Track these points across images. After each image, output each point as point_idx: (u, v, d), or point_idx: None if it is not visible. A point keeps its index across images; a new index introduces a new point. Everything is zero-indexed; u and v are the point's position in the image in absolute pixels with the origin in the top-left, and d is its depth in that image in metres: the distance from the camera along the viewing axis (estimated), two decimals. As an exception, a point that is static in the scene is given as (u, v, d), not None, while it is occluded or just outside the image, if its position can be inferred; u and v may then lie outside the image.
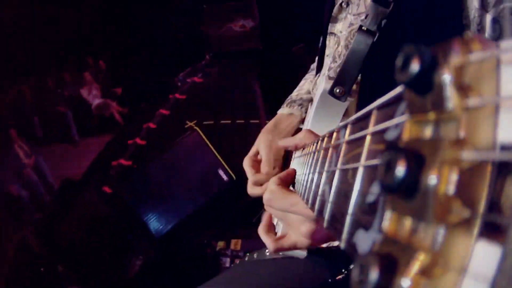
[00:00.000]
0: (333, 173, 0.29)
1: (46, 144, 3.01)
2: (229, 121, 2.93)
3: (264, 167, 0.87)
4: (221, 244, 2.10)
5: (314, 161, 0.42)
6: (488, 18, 0.59)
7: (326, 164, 0.33)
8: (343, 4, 0.81)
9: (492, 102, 0.12)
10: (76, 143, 3.28)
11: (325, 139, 0.37)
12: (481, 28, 0.60)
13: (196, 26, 4.10)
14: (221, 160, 2.39)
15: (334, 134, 0.33)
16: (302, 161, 0.58)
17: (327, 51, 0.89)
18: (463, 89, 0.13)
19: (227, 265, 2.00)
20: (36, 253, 2.12)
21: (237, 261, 2.00)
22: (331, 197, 0.28)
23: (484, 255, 0.12)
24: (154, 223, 2.16)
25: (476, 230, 0.12)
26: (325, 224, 0.29)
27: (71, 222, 2.23)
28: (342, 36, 0.80)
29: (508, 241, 0.11)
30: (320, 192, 0.33)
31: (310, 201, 0.38)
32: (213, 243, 2.10)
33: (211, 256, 2.04)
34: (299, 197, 0.54)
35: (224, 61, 4.06)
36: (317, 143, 0.44)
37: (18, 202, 2.48)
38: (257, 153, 0.92)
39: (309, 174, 0.43)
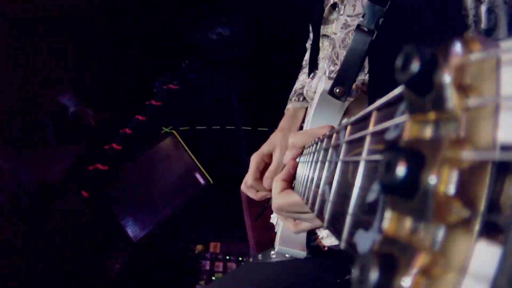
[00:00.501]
0: (333, 173, 0.29)
1: (24, 150, 3.02)
2: (205, 127, 2.97)
3: (269, 172, 0.84)
4: (199, 247, 2.12)
5: (314, 161, 0.42)
6: (483, 8, 0.59)
7: (326, 164, 0.33)
8: (335, 5, 0.81)
9: (492, 102, 0.12)
10: (53, 148, 3.29)
11: (325, 139, 0.37)
12: (477, 19, 0.60)
13: (173, 33, 4.12)
14: (198, 164, 2.42)
15: (334, 134, 0.33)
16: (302, 161, 0.59)
17: (321, 54, 0.89)
18: (463, 89, 0.13)
19: (207, 268, 2.01)
20: (16, 255, 2.12)
21: (218, 264, 2.01)
22: (331, 197, 0.28)
23: (484, 255, 0.12)
24: (132, 227, 2.17)
25: (476, 230, 0.12)
26: (325, 224, 0.29)
27: (49, 225, 2.23)
28: (337, 37, 0.80)
29: (508, 241, 0.11)
30: (320, 192, 0.33)
31: (310, 201, 0.38)
32: (191, 247, 2.10)
33: (191, 259, 2.05)
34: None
35: (201, 68, 4.11)
36: (317, 143, 0.44)
37: None
38: (270, 153, 0.89)
39: (309, 174, 0.43)
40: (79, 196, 2.29)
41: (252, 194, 0.87)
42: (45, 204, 2.39)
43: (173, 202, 2.29)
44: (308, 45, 1.12)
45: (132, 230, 2.15)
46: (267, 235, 0.95)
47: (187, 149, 2.44)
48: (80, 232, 2.19)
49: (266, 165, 0.87)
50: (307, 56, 1.13)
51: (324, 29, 0.86)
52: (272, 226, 1.03)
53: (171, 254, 2.13)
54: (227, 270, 2.01)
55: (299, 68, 1.14)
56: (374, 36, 0.66)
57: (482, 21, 0.60)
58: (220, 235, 2.16)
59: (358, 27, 0.67)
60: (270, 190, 0.77)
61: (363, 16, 0.67)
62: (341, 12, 0.80)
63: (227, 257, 2.05)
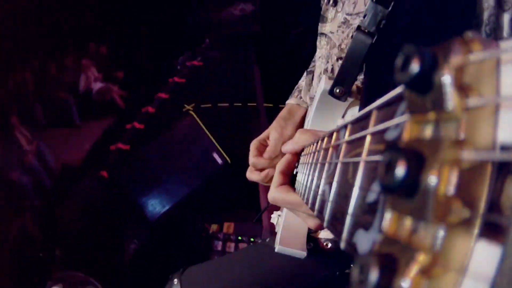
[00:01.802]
0: (333, 173, 0.29)
1: (48, 130, 3.01)
2: (227, 104, 2.95)
3: (267, 152, 0.87)
4: (214, 227, 2.11)
5: (314, 161, 0.42)
6: (506, 17, 0.58)
7: (326, 164, 0.33)
8: (335, 2, 0.80)
9: (492, 102, 0.12)
10: (78, 127, 3.29)
11: (325, 139, 0.37)
12: (497, 27, 0.59)
13: (196, 10, 4.10)
14: (216, 143, 2.41)
15: (334, 134, 0.33)
16: (302, 161, 0.59)
17: (318, 53, 0.89)
18: (463, 89, 0.13)
19: (219, 248, 2.01)
20: (35, 238, 2.13)
21: (230, 245, 2.01)
22: (331, 197, 0.28)
23: (484, 255, 0.12)
24: (149, 207, 2.18)
25: (476, 230, 0.12)
26: (325, 224, 0.29)
27: (70, 207, 2.25)
28: (334, 36, 0.80)
29: (508, 241, 0.11)
30: (320, 192, 0.33)
31: (310, 201, 0.38)
32: (206, 226, 2.10)
33: (204, 239, 2.05)
34: (300, 197, 0.55)
35: (224, 45, 4.07)
36: (317, 143, 0.44)
37: (19, 188, 2.49)
38: (267, 137, 0.92)
39: (309, 174, 0.43)
40: (99, 177, 2.30)
41: (256, 177, 0.88)
42: (67, 185, 2.41)
43: (190, 182, 2.30)
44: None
45: (149, 210, 2.17)
46: None
47: (205, 129, 2.43)
48: (99, 213, 2.20)
49: (264, 147, 0.90)
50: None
51: (321, 28, 0.86)
52: None
53: (186, 234, 2.12)
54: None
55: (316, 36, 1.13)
56: (375, 38, 0.66)
57: (504, 29, 0.58)
58: (235, 215, 2.16)
59: (359, 28, 0.67)
60: (273, 166, 0.78)
61: (364, 17, 0.66)
62: (339, 10, 0.79)
63: (239, 238, 2.03)
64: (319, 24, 0.86)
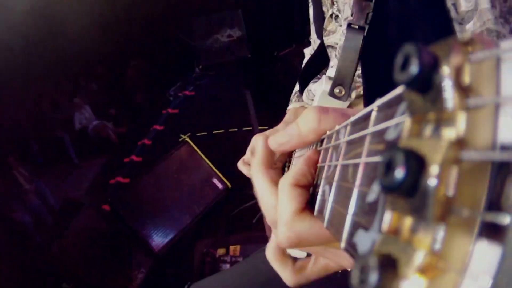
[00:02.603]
0: (333, 172, 0.29)
1: (46, 168, 3.03)
2: (223, 131, 3.00)
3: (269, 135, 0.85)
4: (221, 251, 2.12)
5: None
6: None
7: (326, 164, 0.33)
8: (333, 15, 0.81)
9: (492, 102, 0.12)
10: (75, 165, 3.31)
11: (325, 139, 0.37)
12: (455, 2, 0.59)
13: (184, 39, 4.13)
14: (215, 169, 2.42)
15: (334, 134, 0.33)
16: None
17: (331, 63, 0.89)
18: (463, 89, 0.13)
19: None
20: (41, 273, 2.14)
21: None
22: (331, 197, 0.28)
23: (484, 255, 0.12)
24: (153, 236, 2.20)
25: (476, 230, 0.12)
26: (325, 224, 0.29)
27: (73, 241, 2.26)
28: (340, 46, 0.80)
29: (508, 241, 0.11)
30: (320, 192, 0.33)
31: (309, 201, 0.38)
32: (212, 251, 2.11)
33: (211, 264, 2.05)
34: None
35: (214, 72, 4.12)
36: (317, 143, 0.44)
37: (21, 227, 2.50)
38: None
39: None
40: (101, 211, 2.32)
41: (245, 170, 0.86)
42: (68, 220, 2.42)
43: (192, 209, 2.31)
44: (307, 50, 1.13)
45: (154, 241, 2.18)
46: None
47: (202, 155, 2.45)
48: (103, 245, 2.23)
49: None
50: (306, 60, 1.14)
51: (327, 40, 0.86)
52: None
53: (193, 261, 2.13)
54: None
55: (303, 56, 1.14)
56: (366, 31, 0.66)
57: (461, 4, 0.58)
58: (240, 237, 2.18)
59: (349, 25, 0.67)
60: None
61: (352, 15, 0.67)
62: (341, 23, 0.80)
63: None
64: (324, 37, 0.86)
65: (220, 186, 2.39)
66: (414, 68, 0.14)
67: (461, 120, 0.13)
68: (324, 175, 0.33)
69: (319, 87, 0.75)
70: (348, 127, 0.28)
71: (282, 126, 0.92)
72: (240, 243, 2.13)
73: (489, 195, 0.12)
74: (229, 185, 2.39)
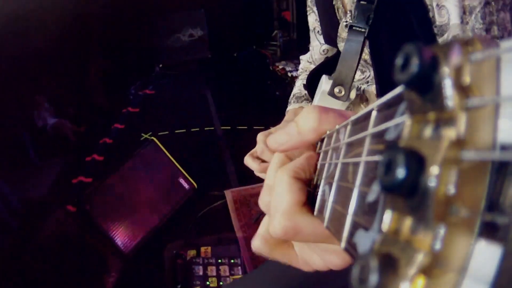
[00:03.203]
0: (333, 173, 0.29)
1: (4, 168, 3.01)
2: (184, 130, 2.99)
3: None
4: (191, 253, 2.10)
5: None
6: (434, 4, 0.59)
7: (326, 165, 0.33)
8: (347, 25, 0.82)
9: (492, 102, 0.12)
10: (35, 164, 3.28)
11: (325, 139, 0.37)
12: (433, 15, 0.60)
13: (144, 38, 4.13)
14: (181, 168, 2.40)
15: (334, 135, 0.33)
16: None
17: None
18: (463, 89, 0.13)
19: (200, 273, 1.99)
20: (7, 280, 2.10)
21: (211, 268, 2.01)
22: (331, 197, 0.28)
23: (484, 255, 0.12)
24: (121, 238, 2.16)
25: (476, 230, 0.12)
26: (325, 224, 0.29)
27: (40, 243, 2.21)
28: None
29: (508, 241, 0.11)
30: (320, 192, 0.33)
31: (309, 201, 0.38)
32: (182, 253, 2.09)
33: (183, 266, 2.03)
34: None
35: (175, 71, 4.12)
36: (317, 143, 0.44)
37: None
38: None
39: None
40: (65, 211, 2.26)
41: (255, 166, 0.82)
42: (33, 223, 2.37)
43: (159, 210, 2.28)
44: (304, 57, 1.13)
45: (121, 242, 2.14)
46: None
47: (168, 155, 2.43)
48: (71, 248, 2.17)
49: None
50: (302, 65, 1.14)
51: (340, 47, 0.87)
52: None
53: (163, 262, 2.09)
54: (220, 273, 2.00)
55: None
56: (366, 33, 0.67)
57: (436, 18, 0.60)
58: (210, 238, 2.16)
59: (351, 27, 0.67)
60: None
61: (354, 17, 0.67)
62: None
63: (219, 261, 2.03)
64: (338, 44, 0.87)
65: (186, 186, 2.37)
66: (414, 67, 0.14)
67: (461, 120, 0.13)
68: (324, 175, 0.33)
69: (319, 86, 0.75)
70: (348, 127, 0.28)
71: (283, 126, 0.92)
72: (211, 244, 2.11)
73: (489, 195, 0.12)
74: (195, 185, 2.37)
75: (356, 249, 0.21)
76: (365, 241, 0.20)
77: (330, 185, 0.29)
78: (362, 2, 0.66)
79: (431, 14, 0.61)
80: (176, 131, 2.97)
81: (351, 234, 0.22)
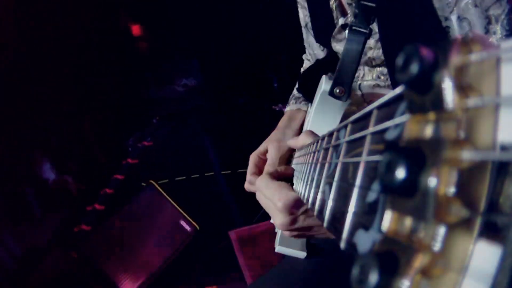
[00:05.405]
0: (333, 172, 0.29)
1: (10, 221, 3.06)
2: (184, 178, 3.05)
3: (266, 168, 0.86)
4: None
5: (314, 161, 0.42)
6: (454, 17, 0.59)
7: (326, 164, 0.33)
8: (345, 25, 0.81)
9: (492, 102, 0.12)
10: (38, 218, 3.32)
11: (325, 139, 0.37)
12: (450, 28, 0.60)
13: (139, 91, 4.17)
14: (182, 211, 2.43)
15: (334, 134, 0.33)
16: (302, 161, 0.59)
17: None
18: (463, 89, 0.13)
19: None
20: None
21: None
22: (331, 197, 0.28)
23: (484, 255, 0.12)
24: (124, 282, 2.18)
25: (476, 230, 0.12)
26: (325, 224, 0.29)
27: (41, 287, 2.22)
28: None
29: (508, 241, 0.11)
30: (320, 192, 0.33)
31: (310, 201, 0.38)
32: None
33: None
34: (281, 188, 0.59)
35: (171, 121, 4.18)
36: (317, 143, 0.44)
37: None
38: (266, 151, 0.91)
39: (309, 174, 0.43)
40: (68, 258, 2.29)
41: (251, 190, 0.88)
42: (35, 268, 2.38)
43: (162, 252, 2.31)
44: (305, 57, 1.13)
45: (124, 285, 2.17)
46: (264, 271, 0.93)
47: (168, 197, 2.47)
48: None
49: (264, 162, 0.89)
50: (304, 65, 1.14)
51: (334, 47, 0.87)
52: (267, 263, 1.01)
53: None
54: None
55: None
56: (368, 34, 0.67)
57: (455, 29, 0.59)
58: (215, 279, 2.18)
59: (351, 28, 0.67)
60: None
61: (355, 17, 0.67)
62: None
63: None
64: (332, 44, 0.87)
65: (188, 228, 2.41)
66: (414, 67, 0.14)
67: (461, 120, 0.13)
68: (324, 175, 0.33)
69: (319, 86, 0.75)
70: (349, 127, 0.28)
71: (274, 134, 0.93)
72: (216, 283, 2.12)
73: (489, 195, 0.12)
74: (198, 227, 2.40)
75: (356, 249, 0.20)
76: (365, 241, 0.20)
77: (330, 184, 0.29)
78: (363, 2, 0.66)
79: (443, 25, 0.60)
80: (176, 179, 3.02)
81: (351, 234, 0.22)
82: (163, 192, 2.47)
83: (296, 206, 0.57)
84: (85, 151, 3.72)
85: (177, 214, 2.42)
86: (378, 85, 0.81)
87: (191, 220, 2.40)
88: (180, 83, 4.22)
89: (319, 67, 0.94)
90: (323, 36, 0.90)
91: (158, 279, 2.23)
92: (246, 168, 0.90)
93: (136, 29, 3.98)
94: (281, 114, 1.00)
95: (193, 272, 2.25)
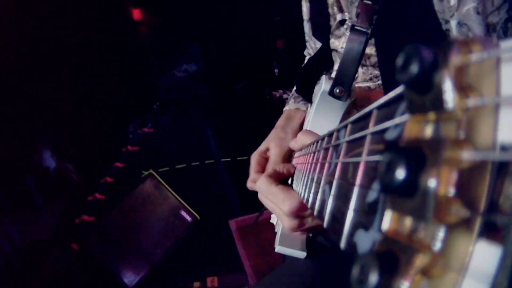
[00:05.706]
0: (333, 172, 0.29)
1: (10, 212, 3.07)
2: (184, 165, 3.02)
3: (269, 167, 0.86)
4: (197, 284, 2.10)
5: (314, 161, 0.42)
6: (453, 23, 0.59)
7: (326, 164, 0.33)
8: (343, 21, 0.81)
9: (492, 102, 0.12)
10: (39, 207, 3.33)
11: (325, 139, 0.37)
12: (449, 31, 0.60)
13: (139, 76, 4.17)
14: (182, 201, 2.43)
15: (334, 134, 0.33)
16: (302, 160, 0.59)
17: (335, 66, 0.90)
18: (463, 89, 0.13)
19: None
20: None
21: None
22: (331, 197, 0.28)
23: (484, 255, 0.12)
24: (125, 274, 2.18)
25: (476, 230, 0.12)
26: (325, 224, 0.29)
27: (43, 282, 2.22)
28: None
29: (508, 241, 0.11)
30: (320, 191, 0.33)
31: (310, 201, 0.38)
32: (188, 285, 2.09)
33: None
34: (284, 192, 0.59)
35: (172, 108, 4.18)
36: (317, 143, 0.44)
37: None
38: (267, 149, 0.91)
39: (309, 173, 0.43)
40: (69, 250, 2.29)
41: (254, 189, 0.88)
42: (37, 261, 2.39)
43: (163, 243, 2.31)
44: (307, 53, 1.13)
45: (126, 277, 2.16)
46: (264, 261, 0.93)
47: (168, 188, 2.47)
48: (75, 285, 2.18)
49: (266, 160, 0.89)
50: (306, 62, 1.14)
51: (332, 44, 0.87)
52: (268, 252, 1.00)
53: None
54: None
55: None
56: (369, 34, 0.67)
57: (455, 34, 0.59)
58: (216, 269, 2.18)
59: (353, 27, 0.67)
60: None
61: (357, 17, 0.67)
62: (347, 30, 0.80)
63: None
64: (331, 40, 0.86)
65: (188, 218, 2.40)
66: (414, 67, 0.14)
67: (461, 120, 0.13)
68: (324, 175, 0.33)
69: (319, 86, 0.75)
70: (349, 127, 0.28)
71: (275, 132, 0.93)
72: (217, 274, 2.12)
73: (489, 195, 0.12)
74: (198, 216, 2.39)
75: (356, 249, 0.20)
76: (365, 241, 0.20)
77: (330, 184, 0.29)
78: (365, 1, 0.66)
79: (443, 28, 0.60)
80: (177, 167, 3.01)
81: (351, 234, 0.22)
82: (163, 183, 2.46)
83: (302, 208, 0.58)
84: (85, 138, 3.72)
85: (178, 205, 2.42)
86: (369, 87, 0.81)
87: (191, 210, 2.40)
88: (180, 69, 4.21)
89: (314, 66, 0.93)
90: (320, 31, 0.90)
91: (159, 271, 2.23)
92: (246, 156, 0.90)
93: (137, 14, 3.96)
94: (281, 101, 1.00)
95: (194, 262, 2.24)
